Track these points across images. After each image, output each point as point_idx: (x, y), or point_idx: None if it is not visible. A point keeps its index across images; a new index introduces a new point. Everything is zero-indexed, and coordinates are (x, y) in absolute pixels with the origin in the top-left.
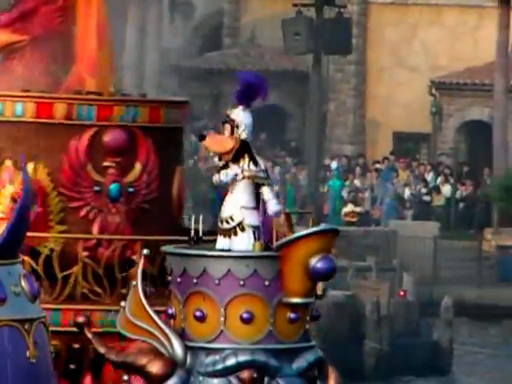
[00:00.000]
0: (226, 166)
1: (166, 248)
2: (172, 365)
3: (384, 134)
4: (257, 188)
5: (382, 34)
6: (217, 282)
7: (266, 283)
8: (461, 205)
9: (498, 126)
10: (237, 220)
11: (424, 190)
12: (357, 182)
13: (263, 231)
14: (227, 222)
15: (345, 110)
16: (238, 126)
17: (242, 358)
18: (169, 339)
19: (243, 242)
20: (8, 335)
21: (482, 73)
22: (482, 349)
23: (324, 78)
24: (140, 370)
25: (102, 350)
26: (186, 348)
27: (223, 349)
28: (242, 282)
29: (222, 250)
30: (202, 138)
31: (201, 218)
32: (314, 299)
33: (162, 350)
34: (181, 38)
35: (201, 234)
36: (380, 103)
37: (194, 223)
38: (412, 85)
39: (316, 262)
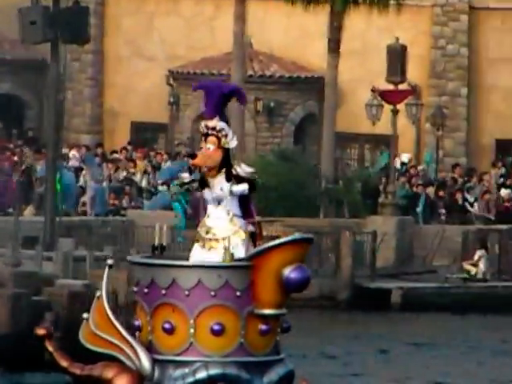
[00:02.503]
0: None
1: (132, 258)
2: (139, 379)
3: (122, 124)
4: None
5: (119, 24)
6: (186, 292)
7: (238, 294)
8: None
9: (234, 116)
10: (231, 231)
11: (161, 180)
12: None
13: None
14: (217, 234)
15: (82, 100)
16: (226, 136)
17: (213, 371)
18: (136, 352)
19: (238, 251)
20: None
21: (218, 63)
22: None
23: (61, 67)
24: None
25: (64, 363)
26: (154, 361)
27: (193, 362)
28: (213, 293)
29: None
30: (194, 157)
31: (164, 227)
32: (285, 311)
33: (129, 363)
34: None
35: (164, 243)
36: (118, 93)
37: (158, 233)
38: (150, 74)
39: (290, 273)
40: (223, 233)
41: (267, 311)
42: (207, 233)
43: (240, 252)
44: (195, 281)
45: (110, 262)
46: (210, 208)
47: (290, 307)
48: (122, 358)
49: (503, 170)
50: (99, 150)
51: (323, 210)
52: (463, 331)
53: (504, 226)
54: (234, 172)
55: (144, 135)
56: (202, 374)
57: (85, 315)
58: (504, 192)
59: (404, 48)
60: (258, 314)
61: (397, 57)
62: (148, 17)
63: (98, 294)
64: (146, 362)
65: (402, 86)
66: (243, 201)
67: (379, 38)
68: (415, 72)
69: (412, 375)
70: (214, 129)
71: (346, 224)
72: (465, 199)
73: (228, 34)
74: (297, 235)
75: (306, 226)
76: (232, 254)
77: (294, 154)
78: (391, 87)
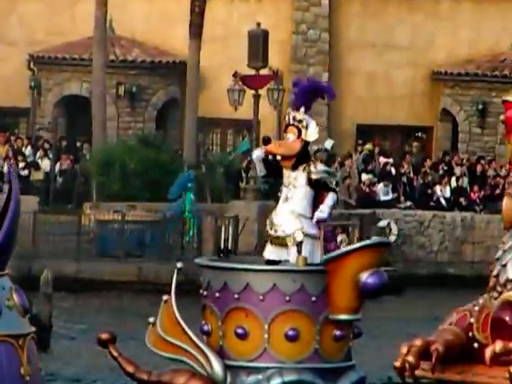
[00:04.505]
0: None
1: (201, 261)
2: None
3: None
4: (317, 192)
5: None
6: (261, 297)
7: (313, 299)
8: (60, 179)
9: (96, 101)
10: (293, 228)
11: (22, 165)
12: None
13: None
14: (283, 231)
15: None
16: (307, 127)
17: (288, 377)
18: (207, 358)
19: (305, 251)
20: (4, 351)
21: (80, 47)
22: (81, 323)
23: None
24: None
25: (129, 368)
26: (226, 367)
27: (267, 368)
28: (287, 298)
29: (271, 262)
30: (268, 141)
31: (230, 230)
32: (360, 316)
33: (200, 369)
34: None
35: (230, 246)
36: None
37: (224, 235)
38: (10, 59)
39: (367, 278)
40: (285, 231)
41: (342, 316)
42: (271, 229)
43: (289, 253)
44: (270, 285)
45: (179, 265)
46: (280, 202)
47: (158, 291)
48: (193, 363)
49: (364, 155)
50: None
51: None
52: None
53: (365, 211)
54: (309, 174)
55: (5, 120)
56: (276, 381)
57: (150, 319)
58: (365, 177)
59: (265, 33)
60: (332, 320)
61: (258, 42)
62: (8, 1)
63: (164, 298)
64: (218, 368)
65: (263, 72)
66: (316, 201)
67: (241, 23)
68: (277, 57)
69: None
70: (294, 119)
71: (208, 209)
72: None
73: (89, 18)
74: (374, 239)
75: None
76: (305, 258)
77: (156, 140)
78: (253, 72)
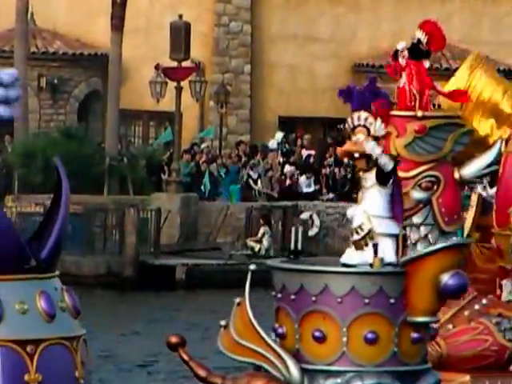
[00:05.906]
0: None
1: (274, 263)
2: None
3: None
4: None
5: None
6: (339, 300)
7: (392, 301)
8: None
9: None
10: (366, 229)
11: None
12: None
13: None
14: (357, 233)
15: None
16: (373, 124)
17: (368, 381)
18: (284, 362)
19: (383, 253)
20: (59, 354)
21: (1, 39)
22: None
23: None
24: None
25: (201, 372)
26: (303, 371)
27: (345, 371)
28: (366, 301)
29: (349, 266)
30: (341, 143)
31: (300, 230)
32: (438, 318)
33: (277, 373)
34: None
35: (300, 247)
36: None
37: (294, 236)
38: None
39: (448, 279)
40: (359, 233)
41: (421, 319)
42: (351, 234)
43: (360, 256)
44: (348, 288)
45: (252, 267)
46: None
47: (80, 284)
48: (269, 367)
49: (287, 147)
50: None
51: (107, 188)
52: None
53: (287, 203)
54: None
55: None
56: None
57: (222, 322)
58: (287, 169)
59: (187, 25)
60: (410, 322)
61: (180, 34)
62: None
63: (237, 300)
64: (295, 372)
65: (185, 64)
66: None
67: (163, 15)
68: (199, 49)
69: None
70: (359, 118)
71: (131, 201)
72: (249, 176)
73: (11, 10)
74: (454, 240)
75: (91, 203)
76: (381, 260)
77: (78, 132)
78: (175, 64)
